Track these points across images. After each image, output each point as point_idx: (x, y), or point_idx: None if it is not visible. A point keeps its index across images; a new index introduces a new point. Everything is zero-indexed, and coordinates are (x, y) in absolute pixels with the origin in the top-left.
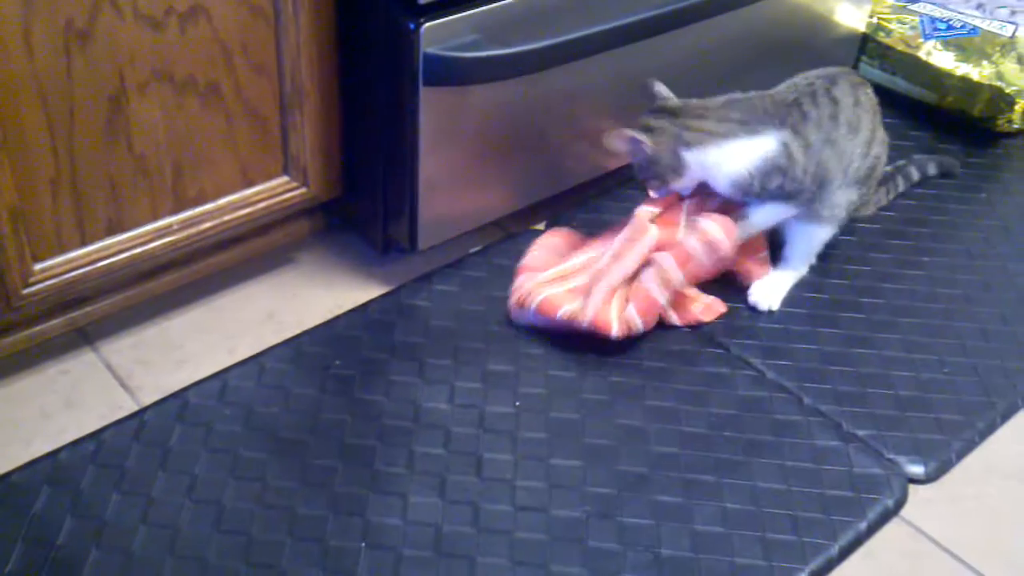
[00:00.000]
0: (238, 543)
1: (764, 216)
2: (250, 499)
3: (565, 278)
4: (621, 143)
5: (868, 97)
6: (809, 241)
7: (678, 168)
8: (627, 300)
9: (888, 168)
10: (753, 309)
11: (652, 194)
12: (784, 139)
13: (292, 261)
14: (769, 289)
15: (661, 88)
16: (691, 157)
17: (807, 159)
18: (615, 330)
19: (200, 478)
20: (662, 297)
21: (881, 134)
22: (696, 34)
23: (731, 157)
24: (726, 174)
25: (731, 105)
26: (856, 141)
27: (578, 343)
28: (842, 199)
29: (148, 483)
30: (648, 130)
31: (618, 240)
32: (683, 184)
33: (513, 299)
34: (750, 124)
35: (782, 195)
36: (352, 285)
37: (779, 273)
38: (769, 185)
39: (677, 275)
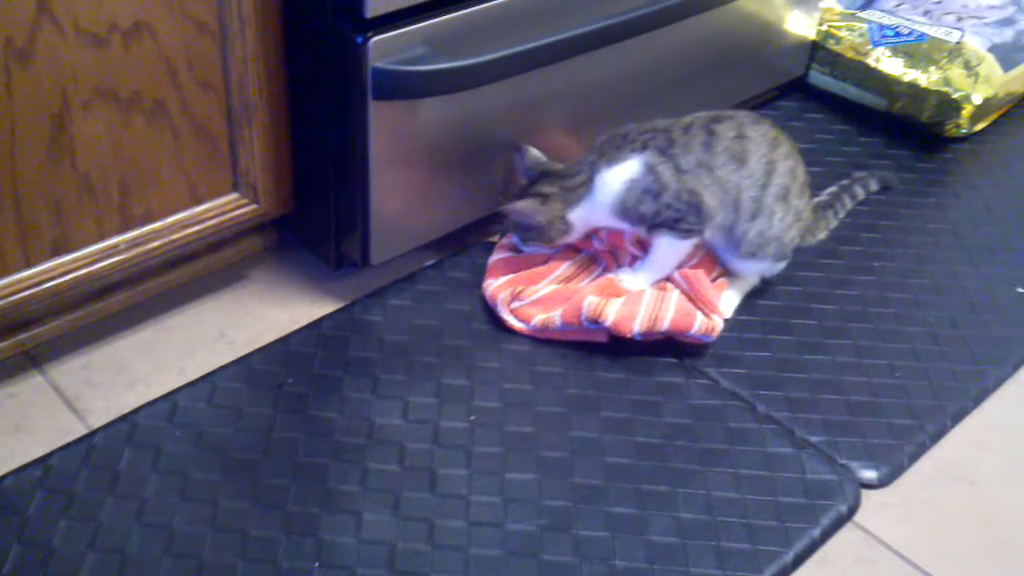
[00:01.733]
0: (189, 567)
1: (662, 253)
2: (201, 522)
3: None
4: (515, 215)
5: (761, 133)
6: (751, 272)
7: (567, 229)
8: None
9: (833, 189)
10: None
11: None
12: (647, 160)
13: (244, 278)
14: (723, 299)
15: (535, 152)
16: (573, 216)
17: (680, 184)
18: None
19: (150, 501)
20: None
21: (786, 166)
22: (646, 44)
23: (601, 191)
24: (601, 206)
25: (601, 146)
26: (743, 172)
27: (533, 356)
28: (758, 232)
29: (97, 508)
30: (542, 197)
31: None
32: (570, 240)
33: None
34: (611, 154)
35: (664, 222)
36: (305, 301)
37: (732, 289)
38: (643, 209)
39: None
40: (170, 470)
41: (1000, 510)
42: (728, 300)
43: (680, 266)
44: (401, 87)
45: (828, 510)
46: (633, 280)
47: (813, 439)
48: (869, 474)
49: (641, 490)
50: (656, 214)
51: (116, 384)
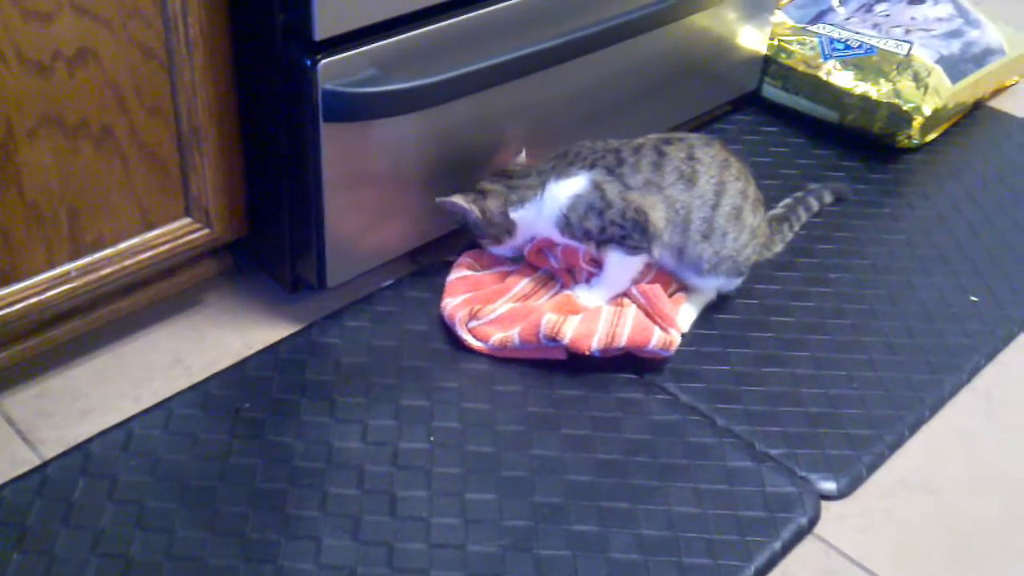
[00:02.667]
0: None
1: (614, 269)
2: (158, 551)
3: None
4: (450, 208)
5: (711, 155)
6: (708, 288)
7: (510, 228)
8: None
9: (787, 201)
10: None
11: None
12: (594, 178)
13: (199, 303)
14: (680, 313)
15: (520, 158)
16: (517, 216)
17: (624, 202)
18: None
19: (106, 532)
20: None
21: (736, 187)
22: (599, 61)
23: (547, 202)
24: (546, 218)
25: (555, 158)
26: (693, 193)
27: (492, 375)
28: (713, 252)
29: (51, 540)
30: (481, 193)
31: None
32: (516, 242)
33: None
34: (561, 168)
35: (610, 239)
36: (261, 325)
37: (689, 303)
38: (588, 225)
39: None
40: (126, 499)
41: (960, 518)
42: (685, 314)
43: (636, 282)
44: (352, 109)
45: (788, 523)
46: (589, 297)
47: (773, 452)
48: (828, 485)
49: (602, 507)
50: (601, 231)
51: (70, 413)
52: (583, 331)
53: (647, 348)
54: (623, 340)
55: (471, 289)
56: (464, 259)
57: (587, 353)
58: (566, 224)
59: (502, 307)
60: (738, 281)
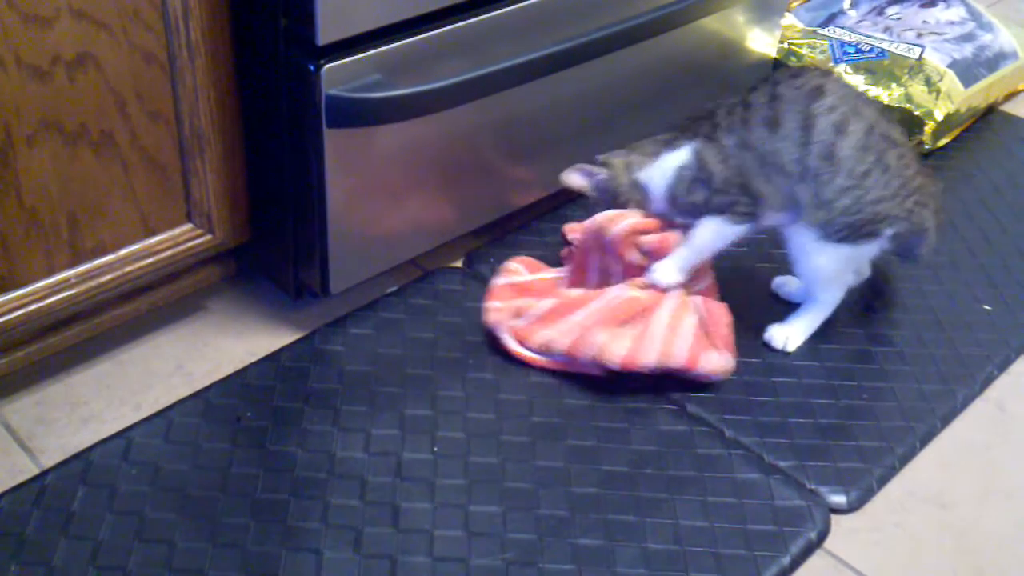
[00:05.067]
0: None
1: (705, 235)
2: (157, 563)
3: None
4: (578, 176)
5: (795, 86)
6: (810, 262)
7: (639, 190)
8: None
9: None
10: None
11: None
12: (696, 148)
13: (202, 309)
14: (789, 328)
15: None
16: (644, 179)
17: (727, 168)
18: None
19: (104, 543)
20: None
21: (828, 120)
22: (606, 65)
23: (657, 174)
24: (656, 189)
25: (668, 130)
26: (776, 136)
27: (497, 384)
28: (812, 194)
29: (49, 551)
30: (602, 164)
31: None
32: (651, 207)
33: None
34: (671, 141)
35: (717, 208)
36: (264, 332)
37: (800, 312)
38: (695, 198)
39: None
40: (125, 510)
41: (971, 532)
42: (795, 332)
43: (704, 291)
44: (356, 114)
45: (797, 537)
46: (664, 270)
47: (782, 464)
48: (838, 499)
49: (608, 520)
50: (706, 202)
51: (70, 421)
52: (636, 350)
53: (698, 371)
54: (677, 360)
55: (519, 295)
56: (512, 264)
57: (641, 372)
58: (673, 199)
59: (547, 303)
60: (835, 253)
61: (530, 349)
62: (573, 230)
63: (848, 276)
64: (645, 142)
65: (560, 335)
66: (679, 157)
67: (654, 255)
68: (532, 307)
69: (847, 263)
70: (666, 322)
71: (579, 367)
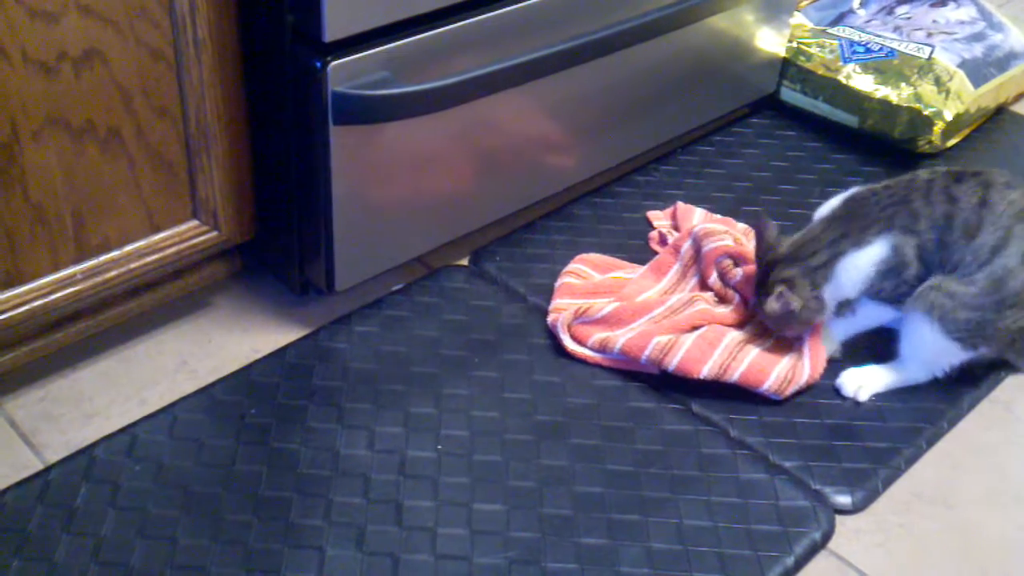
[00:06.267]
0: None
1: (871, 318)
2: (160, 559)
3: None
4: (780, 308)
5: (1009, 200)
6: (919, 344)
7: (819, 308)
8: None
9: None
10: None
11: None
12: (894, 243)
13: (207, 306)
14: (864, 377)
15: (771, 231)
16: (826, 294)
17: (919, 264)
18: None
19: (107, 539)
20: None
21: (1020, 250)
22: (615, 63)
23: (845, 273)
24: (846, 286)
25: (832, 224)
26: (969, 246)
27: (501, 382)
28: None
29: (51, 547)
30: (787, 283)
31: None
32: (822, 320)
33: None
34: (856, 235)
35: (898, 297)
36: (269, 329)
37: (884, 367)
38: (884, 285)
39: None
40: (128, 506)
41: (977, 533)
42: (870, 382)
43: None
44: (362, 112)
45: (802, 538)
46: (853, 379)
47: (787, 464)
48: (844, 499)
49: (612, 520)
50: (894, 289)
51: (74, 417)
52: (695, 356)
53: (760, 389)
54: (735, 375)
55: (584, 296)
56: (575, 265)
57: (696, 377)
58: (869, 288)
59: (609, 306)
60: (946, 347)
61: (588, 347)
62: (657, 217)
63: (947, 363)
64: (809, 239)
65: (619, 335)
66: (875, 253)
67: (736, 286)
68: (593, 307)
69: (954, 356)
70: (734, 339)
71: (636, 365)
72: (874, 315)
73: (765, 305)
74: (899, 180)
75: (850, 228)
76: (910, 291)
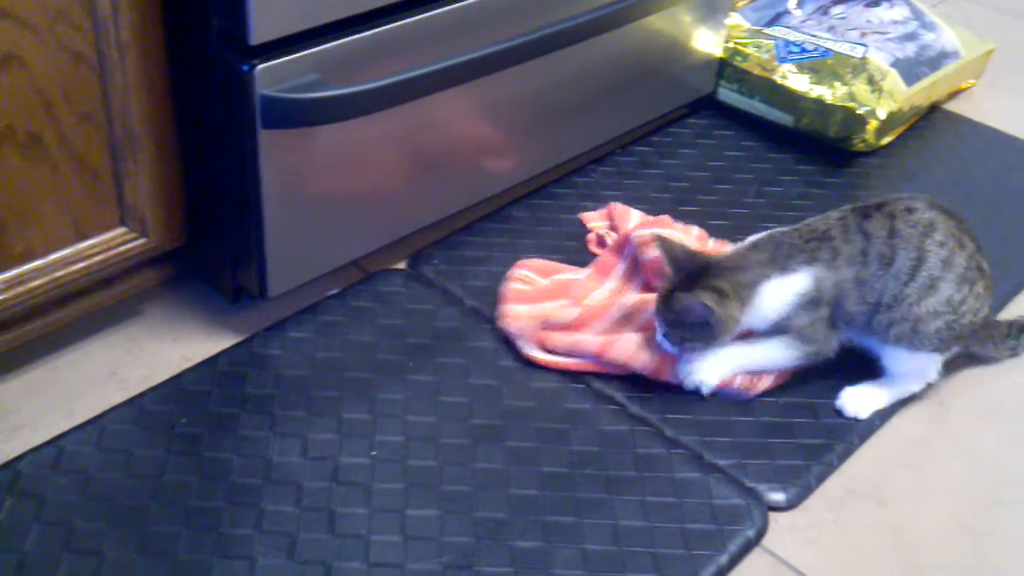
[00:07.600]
0: None
1: (772, 353)
2: (86, 574)
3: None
4: (696, 306)
5: (913, 222)
6: (903, 366)
7: (732, 331)
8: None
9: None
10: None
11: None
12: (817, 275)
13: (138, 314)
14: (863, 397)
15: (680, 243)
16: (745, 317)
17: (833, 297)
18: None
19: (30, 555)
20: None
21: (938, 256)
22: (551, 64)
23: (766, 299)
24: (763, 313)
25: (758, 248)
26: (889, 273)
27: (437, 386)
28: (890, 318)
29: None
30: (719, 293)
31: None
32: (727, 341)
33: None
34: (781, 262)
35: (808, 334)
36: (201, 337)
37: (880, 385)
38: (798, 321)
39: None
40: (53, 520)
41: (908, 529)
42: (868, 402)
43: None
44: (291, 115)
45: (736, 535)
46: (707, 368)
47: (721, 462)
48: (777, 496)
49: (546, 522)
50: (804, 326)
51: (0, 430)
52: (667, 358)
53: (730, 389)
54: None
55: (538, 300)
56: (519, 271)
57: (669, 380)
58: (781, 319)
59: (573, 311)
60: (926, 359)
61: (553, 352)
62: (591, 219)
63: (934, 370)
64: (737, 257)
65: (590, 338)
66: (798, 282)
67: None
68: (557, 315)
69: (935, 364)
70: None
71: (607, 367)
72: (768, 356)
73: (685, 299)
74: (814, 220)
75: (776, 255)
76: (818, 340)
